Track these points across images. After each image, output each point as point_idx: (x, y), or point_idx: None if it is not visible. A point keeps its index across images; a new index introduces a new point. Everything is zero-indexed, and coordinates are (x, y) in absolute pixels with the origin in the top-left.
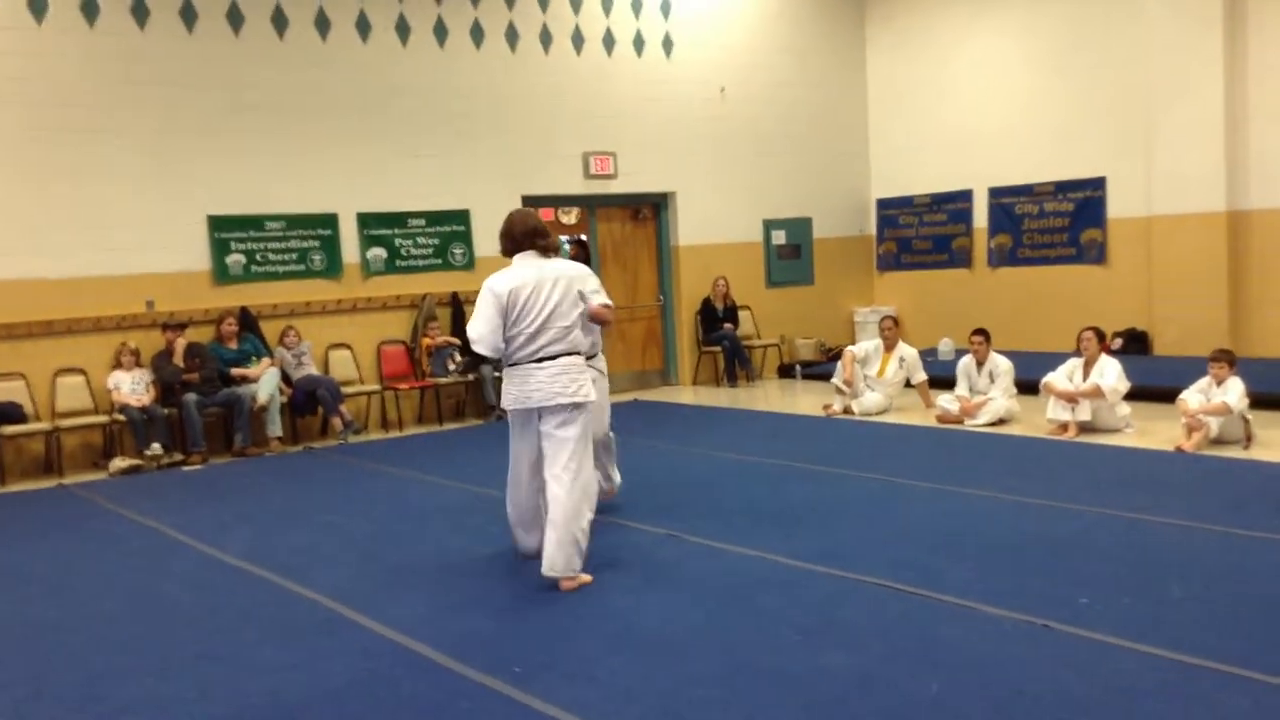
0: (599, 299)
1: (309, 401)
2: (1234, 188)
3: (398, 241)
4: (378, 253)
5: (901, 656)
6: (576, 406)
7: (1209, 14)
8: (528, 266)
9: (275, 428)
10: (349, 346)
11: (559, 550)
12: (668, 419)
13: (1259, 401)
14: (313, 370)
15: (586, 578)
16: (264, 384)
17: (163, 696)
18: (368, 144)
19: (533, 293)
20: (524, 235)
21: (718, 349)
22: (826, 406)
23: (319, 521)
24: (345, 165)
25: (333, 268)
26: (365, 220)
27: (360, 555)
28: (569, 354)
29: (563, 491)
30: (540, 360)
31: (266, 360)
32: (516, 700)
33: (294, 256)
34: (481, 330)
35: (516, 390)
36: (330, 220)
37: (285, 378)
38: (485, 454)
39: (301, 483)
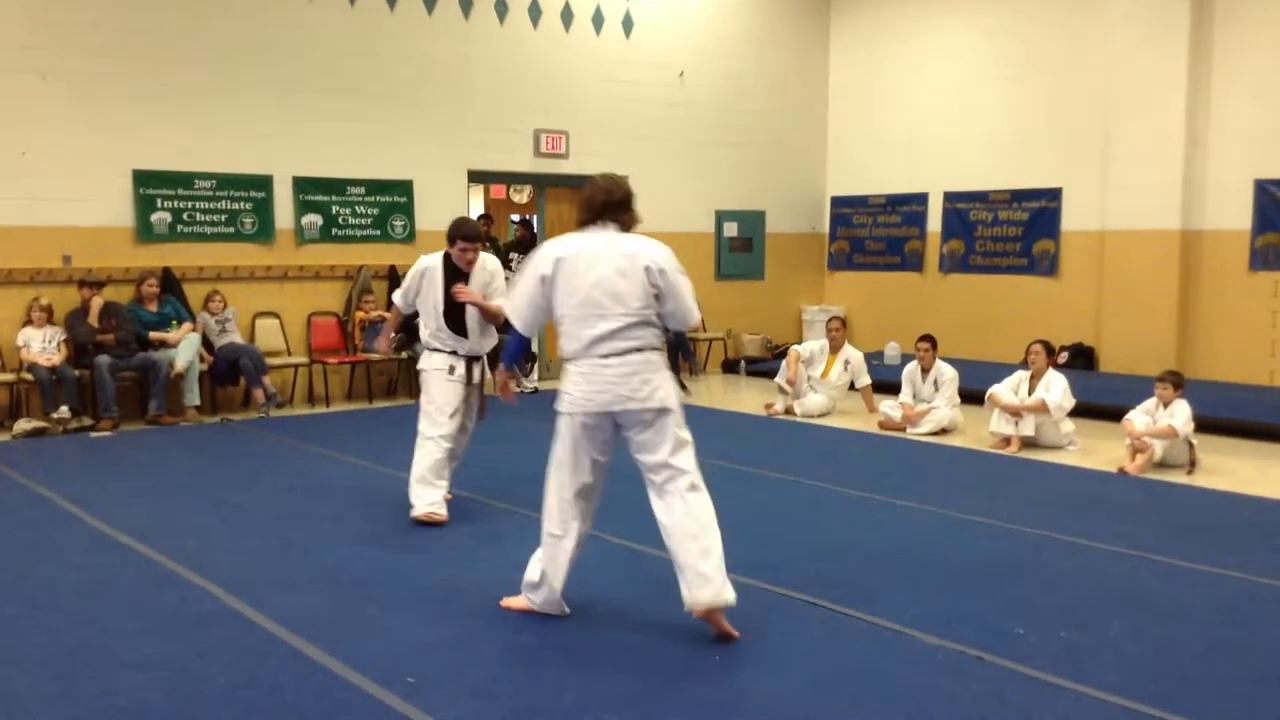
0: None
1: (230, 371)
2: (1189, 207)
3: (335, 209)
4: (313, 219)
5: (825, 685)
6: (659, 413)
7: (1175, 30)
8: (592, 236)
9: (193, 396)
10: (277, 315)
11: (718, 569)
12: None
13: (1204, 426)
14: (237, 338)
15: (727, 626)
16: (183, 350)
17: (18, 692)
18: (309, 106)
19: (587, 266)
20: (604, 206)
21: None
22: (768, 406)
23: (224, 501)
24: (284, 126)
25: (264, 232)
26: (302, 185)
27: (260, 541)
28: (638, 350)
29: (690, 508)
30: (605, 357)
31: (188, 325)
32: (404, 715)
33: (223, 218)
34: (516, 303)
35: (576, 390)
36: (264, 182)
37: (207, 344)
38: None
39: (213, 457)
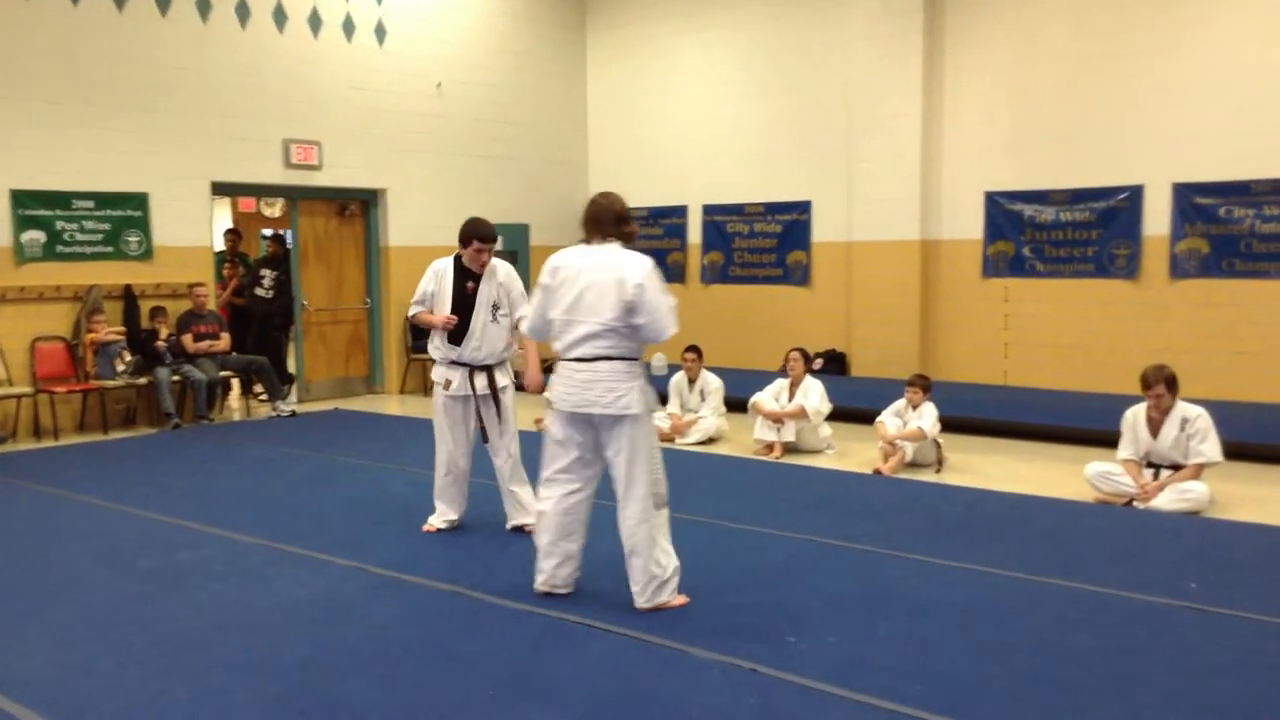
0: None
1: None
2: (927, 218)
3: (60, 225)
4: (35, 236)
5: (606, 711)
6: (617, 420)
7: (909, 51)
8: (587, 250)
9: None
10: None
11: (637, 583)
12: (370, 431)
13: (948, 425)
14: None
15: (680, 599)
16: None
17: None
18: (28, 114)
19: (574, 277)
20: (599, 223)
21: (427, 357)
22: (538, 421)
23: None
24: None
25: None
26: (21, 199)
27: None
28: (608, 358)
29: (624, 519)
30: (576, 360)
31: None
32: None
33: None
34: (529, 311)
35: (557, 388)
36: None
37: None
38: (156, 469)
39: None
